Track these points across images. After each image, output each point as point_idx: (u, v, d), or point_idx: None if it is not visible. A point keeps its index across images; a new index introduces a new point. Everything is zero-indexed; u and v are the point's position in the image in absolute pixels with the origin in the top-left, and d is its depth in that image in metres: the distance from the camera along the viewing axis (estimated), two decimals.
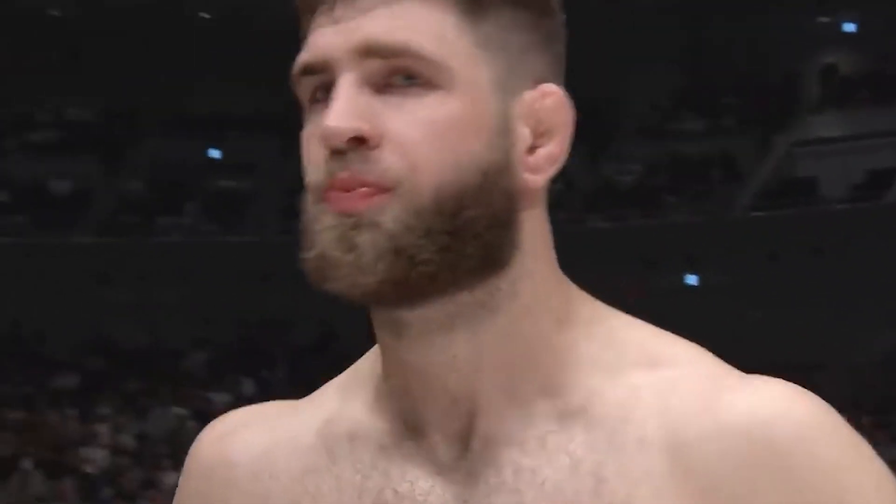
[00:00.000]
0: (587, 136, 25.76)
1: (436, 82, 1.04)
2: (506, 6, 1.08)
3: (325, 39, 1.07)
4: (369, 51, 1.04)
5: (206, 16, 26.15)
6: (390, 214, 1.02)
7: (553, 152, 1.08)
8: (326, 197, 1.04)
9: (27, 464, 17.23)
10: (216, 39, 25.06)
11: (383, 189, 1.03)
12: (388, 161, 1.03)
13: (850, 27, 26.38)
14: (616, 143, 25.74)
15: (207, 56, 25.14)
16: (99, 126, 27.26)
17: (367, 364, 1.15)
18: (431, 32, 1.05)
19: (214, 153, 26.76)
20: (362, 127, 1.03)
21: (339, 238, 1.03)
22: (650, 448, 1.03)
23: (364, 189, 1.03)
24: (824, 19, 26.13)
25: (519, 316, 1.07)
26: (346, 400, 1.14)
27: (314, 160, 1.06)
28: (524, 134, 1.07)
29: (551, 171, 1.08)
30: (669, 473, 1.02)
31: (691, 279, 24.67)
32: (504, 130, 1.06)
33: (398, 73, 1.05)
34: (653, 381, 1.05)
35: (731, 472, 1.01)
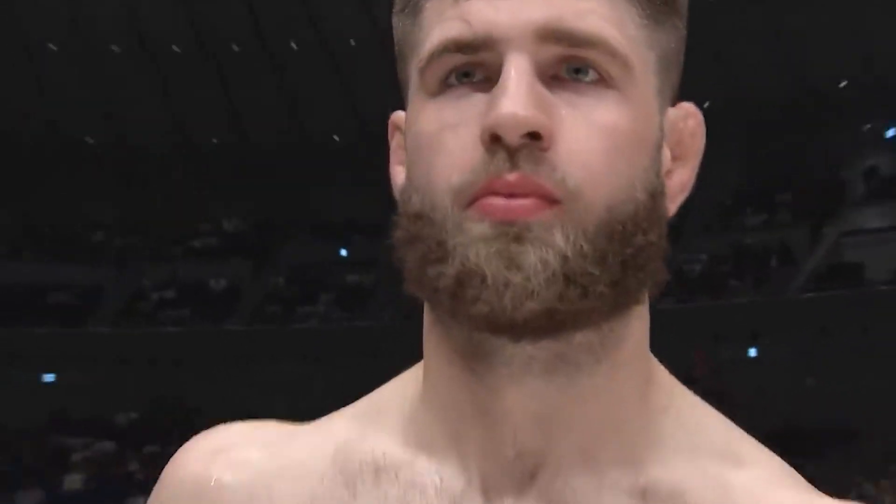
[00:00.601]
0: None
1: (614, 82, 0.77)
2: (679, 9, 0.82)
3: (490, 13, 0.75)
4: (554, 34, 0.75)
5: (336, 138, 26.68)
6: (562, 233, 0.75)
7: (684, 180, 0.83)
8: (480, 203, 0.75)
9: None
10: (343, 158, 25.51)
11: (554, 200, 0.75)
12: (566, 167, 0.75)
13: (890, 133, 25.57)
14: (685, 237, 25.51)
15: (335, 172, 25.57)
16: (249, 234, 27.69)
17: (390, 394, 0.87)
18: (618, 23, 0.77)
19: (343, 252, 27.09)
20: (544, 120, 0.74)
21: (498, 252, 0.74)
22: None
23: (535, 198, 0.74)
24: (867, 127, 25.46)
25: (618, 367, 0.80)
26: (364, 429, 0.85)
27: (458, 156, 0.75)
28: (666, 155, 0.81)
29: (681, 199, 0.83)
30: None
31: (753, 352, 24.24)
32: (660, 147, 0.80)
33: (569, 63, 0.77)
34: (743, 484, 0.81)
35: None
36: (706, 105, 26.83)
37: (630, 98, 0.77)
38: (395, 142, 0.84)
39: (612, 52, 0.76)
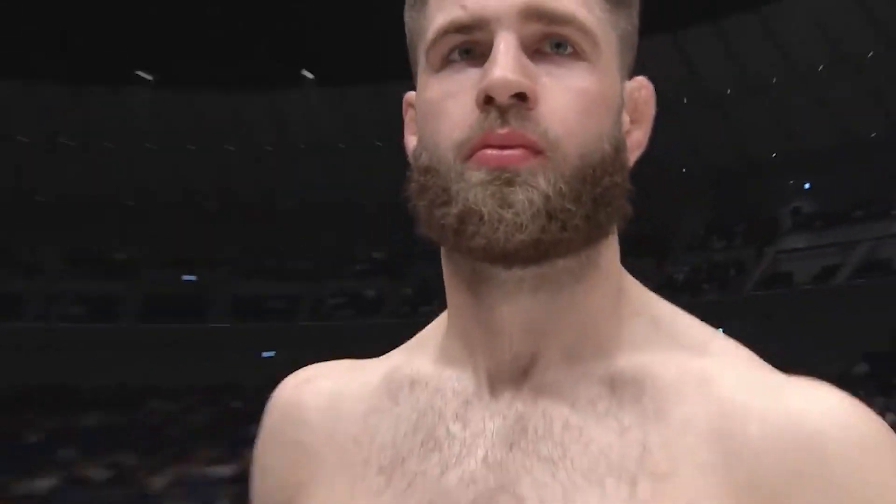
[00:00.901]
0: (655, 251, 27.80)
1: (585, 55, 0.74)
2: (632, 2, 0.80)
3: None
4: (535, 13, 0.73)
5: None
6: (545, 177, 0.72)
7: (640, 139, 0.80)
8: (477, 155, 0.72)
9: None
10: None
11: (539, 150, 0.72)
12: (547, 123, 0.72)
13: (807, 186, 26.40)
14: (673, 255, 26.52)
15: None
16: (388, 261, 28.74)
17: (429, 330, 0.89)
18: (588, 6, 0.75)
19: None
20: (528, 84, 0.71)
21: (492, 194, 0.71)
22: (695, 430, 0.73)
23: (522, 149, 0.71)
24: (791, 182, 26.43)
25: (594, 285, 0.78)
26: (409, 356, 0.88)
27: (458, 118, 0.73)
28: (625, 118, 0.79)
29: (637, 154, 0.80)
30: (712, 458, 0.72)
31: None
32: (621, 111, 0.78)
33: (550, 39, 0.74)
34: (701, 367, 0.76)
35: (780, 474, 0.70)
36: (684, 170, 29.17)
37: (598, 68, 0.75)
38: (408, 116, 0.84)
39: (584, 30, 0.74)
